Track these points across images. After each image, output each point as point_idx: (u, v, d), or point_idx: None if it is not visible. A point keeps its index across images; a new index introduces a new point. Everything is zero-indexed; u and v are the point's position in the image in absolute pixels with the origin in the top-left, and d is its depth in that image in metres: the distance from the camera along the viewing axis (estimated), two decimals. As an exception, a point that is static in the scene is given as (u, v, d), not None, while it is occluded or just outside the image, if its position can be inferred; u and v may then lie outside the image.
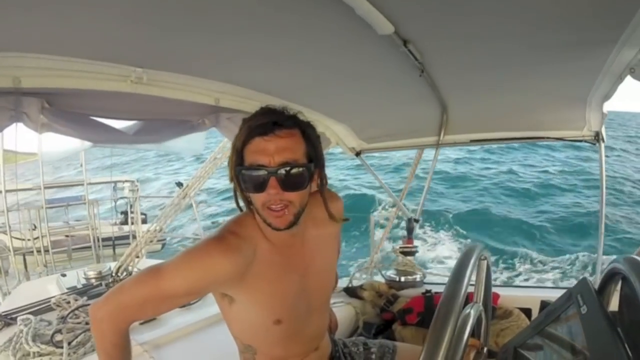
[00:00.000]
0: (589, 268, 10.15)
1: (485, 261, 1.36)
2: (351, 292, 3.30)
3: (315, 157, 1.35)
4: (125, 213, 10.08)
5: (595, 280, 2.10)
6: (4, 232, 7.17)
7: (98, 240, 8.19)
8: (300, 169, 1.27)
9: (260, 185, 1.25)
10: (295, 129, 1.30)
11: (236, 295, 1.37)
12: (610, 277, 1.20)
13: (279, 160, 1.23)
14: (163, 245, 9.42)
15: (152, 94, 1.88)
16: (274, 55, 1.81)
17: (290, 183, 1.25)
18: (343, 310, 3.00)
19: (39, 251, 7.39)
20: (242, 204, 1.41)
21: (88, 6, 1.22)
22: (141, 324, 2.42)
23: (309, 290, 1.48)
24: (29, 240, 7.60)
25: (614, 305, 1.19)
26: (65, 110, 1.73)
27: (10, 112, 1.56)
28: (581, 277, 1.32)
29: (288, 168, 1.24)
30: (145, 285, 1.29)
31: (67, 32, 1.41)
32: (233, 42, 1.62)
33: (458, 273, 1.05)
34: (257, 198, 1.28)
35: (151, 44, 1.60)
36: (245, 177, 1.28)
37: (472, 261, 1.11)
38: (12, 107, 1.56)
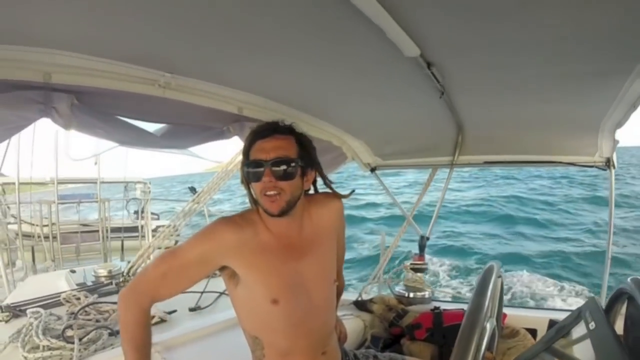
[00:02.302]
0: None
1: (500, 279, 1.39)
2: (360, 305, 3.30)
3: (307, 159, 1.59)
4: (136, 212, 10.15)
5: (602, 301, 2.11)
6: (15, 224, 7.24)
7: (107, 238, 8.24)
8: (290, 163, 1.52)
9: (258, 176, 1.51)
10: (290, 135, 1.57)
11: (239, 269, 1.55)
12: (617, 297, 1.23)
13: (273, 155, 1.50)
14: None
15: (179, 99, 1.93)
16: (297, 70, 1.87)
17: (281, 173, 1.50)
18: (352, 323, 3.00)
19: (47, 246, 7.44)
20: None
21: (122, 9, 1.27)
22: (152, 324, 2.44)
23: (306, 279, 1.62)
24: (39, 235, 7.65)
25: (619, 324, 1.21)
26: (93, 108, 1.75)
27: (39, 105, 1.59)
28: (590, 297, 1.34)
29: (280, 162, 1.50)
30: (164, 259, 1.56)
31: (100, 33, 1.46)
32: (261, 55, 1.68)
33: (482, 287, 1.08)
34: (257, 187, 1.53)
35: (181, 50, 1.65)
36: (248, 170, 1.54)
37: (493, 277, 1.14)
38: (41, 100, 1.59)
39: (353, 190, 1.84)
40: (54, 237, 7.65)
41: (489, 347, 1.39)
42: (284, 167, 1.50)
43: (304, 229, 1.67)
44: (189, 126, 2.15)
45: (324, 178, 1.72)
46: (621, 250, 12.26)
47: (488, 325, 1.12)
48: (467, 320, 0.97)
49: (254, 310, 1.60)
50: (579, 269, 12.14)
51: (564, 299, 9.74)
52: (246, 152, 1.57)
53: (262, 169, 1.49)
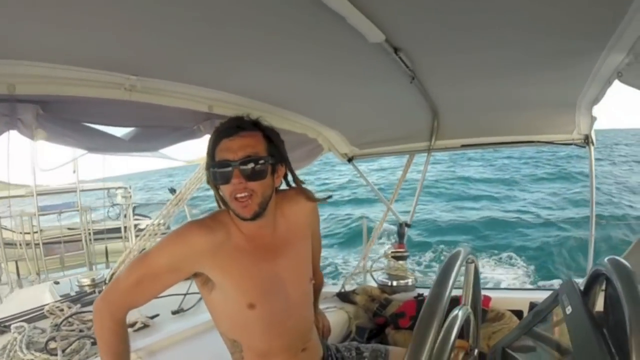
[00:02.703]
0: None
1: (473, 264, 1.39)
2: (344, 296, 3.31)
3: (277, 155, 1.53)
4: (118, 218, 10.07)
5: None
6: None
7: (91, 242, 8.18)
8: (261, 161, 1.45)
9: (226, 178, 1.43)
10: (256, 131, 1.50)
11: (213, 275, 1.50)
12: (595, 278, 1.23)
13: (241, 154, 1.42)
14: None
15: (146, 101, 1.89)
16: (266, 63, 1.84)
17: (252, 173, 1.43)
18: (336, 315, 3.01)
19: (31, 258, 7.36)
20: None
21: (82, 15, 1.24)
22: (135, 330, 2.43)
23: (283, 282, 1.58)
24: (21, 245, 7.57)
25: (600, 305, 1.21)
26: (60, 117, 1.72)
27: (5, 118, 1.56)
28: (566, 280, 1.35)
29: (249, 160, 1.42)
30: (135, 268, 1.49)
31: (62, 40, 1.42)
32: (226, 50, 1.65)
33: (443, 275, 1.08)
34: (226, 190, 1.46)
35: (145, 52, 1.62)
36: (215, 172, 1.46)
37: (457, 264, 1.14)
38: (6, 113, 1.55)
39: (330, 196, 1.80)
40: (37, 248, 7.57)
41: (464, 335, 1.41)
42: (253, 166, 1.43)
43: (278, 228, 1.62)
44: (158, 128, 2.12)
45: (294, 176, 1.66)
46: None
47: (460, 313, 1.12)
48: (424, 311, 0.95)
49: (230, 314, 1.57)
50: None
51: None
52: (211, 152, 1.50)
53: (229, 170, 1.42)
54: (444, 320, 0.97)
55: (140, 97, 1.87)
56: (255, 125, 1.51)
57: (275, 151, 1.53)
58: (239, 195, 1.43)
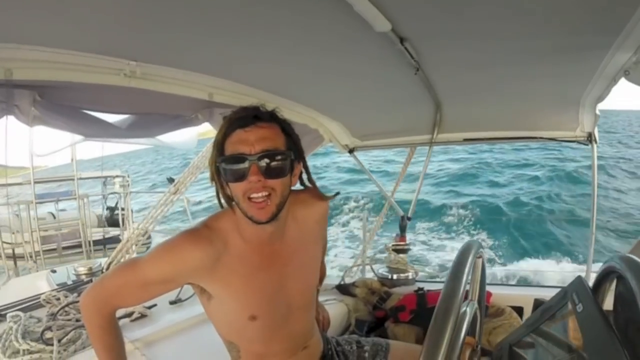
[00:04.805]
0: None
1: (481, 259, 1.36)
2: (343, 289, 3.29)
3: (296, 150, 1.38)
4: (110, 209, 10.04)
5: (587, 279, 2.12)
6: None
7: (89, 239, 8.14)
8: (281, 156, 1.30)
9: (241, 174, 1.27)
10: (274, 123, 1.34)
11: (210, 288, 1.40)
12: (606, 275, 1.20)
13: (259, 148, 1.26)
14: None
15: (145, 87, 1.85)
16: (268, 51, 1.80)
17: (271, 170, 1.28)
18: (335, 308, 2.99)
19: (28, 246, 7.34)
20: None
21: None
22: (132, 320, 2.41)
23: (288, 290, 1.49)
24: (18, 233, 7.55)
25: (608, 303, 1.19)
26: (57, 103, 1.71)
27: (1, 104, 1.54)
28: (576, 276, 1.32)
29: (269, 155, 1.27)
30: (123, 273, 1.39)
31: (61, 24, 1.39)
32: (228, 37, 1.62)
33: (457, 270, 1.05)
34: (238, 188, 1.29)
35: (146, 37, 1.58)
36: (226, 167, 1.30)
37: (470, 259, 1.11)
38: (3, 99, 1.54)
39: (338, 193, 1.63)
40: (34, 237, 7.55)
41: (471, 332, 1.38)
42: (273, 162, 1.27)
43: (288, 234, 1.48)
44: (156, 115, 2.09)
45: (309, 175, 1.50)
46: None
47: (468, 310, 1.10)
48: (440, 308, 0.93)
49: (229, 323, 1.49)
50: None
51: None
52: (220, 144, 1.32)
53: (245, 166, 1.25)
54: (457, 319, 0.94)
55: (139, 84, 1.83)
56: (272, 117, 1.35)
57: (293, 146, 1.38)
58: (254, 195, 1.28)
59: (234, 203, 1.35)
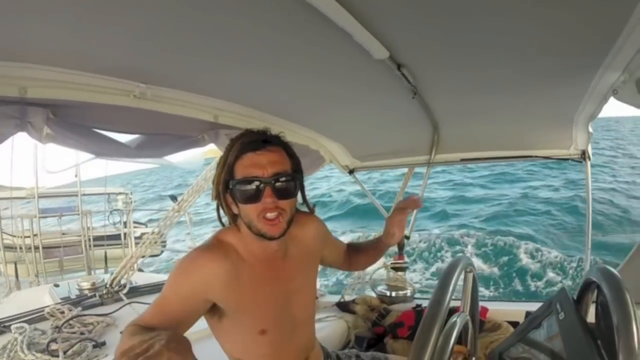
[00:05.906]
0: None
1: (472, 274, 1.43)
2: (343, 306, 3.33)
3: (299, 172, 1.50)
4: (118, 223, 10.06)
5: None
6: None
7: (91, 248, 8.16)
8: (291, 178, 1.40)
9: (255, 196, 1.35)
10: (280, 147, 1.45)
11: (224, 304, 1.43)
12: (586, 287, 1.27)
13: (272, 171, 1.36)
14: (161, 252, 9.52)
15: (154, 109, 1.92)
16: (272, 75, 1.88)
17: (282, 191, 1.37)
18: (335, 324, 3.03)
19: (30, 260, 7.36)
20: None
21: (96, 22, 1.27)
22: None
23: (293, 304, 1.56)
24: (21, 248, 7.57)
25: (592, 314, 1.25)
26: (69, 121, 1.74)
27: (16, 120, 1.57)
28: (561, 288, 1.39)
29: (281, 178, 1.37)
30: (154, 314, 1.35)
31: (75, 46, 1.45)
32: (234, 62, 1.69)
33: (443, 283, 1.11)
34: (252, 209, 1.37)
35: (155, 61, 1.66)
36: (240, 189, 1.37)
37: (456, 272, 1.18)
38: (17, 115, 1.57)
39: (314, 205, 1.71)
40: (37, 251, 7.57)
41: (462, 342, 1.44)
42: (284, 184, 1.37)
43: (289, 251, 1.57)
44: (164, 135, 2.15)
45: (304, 196, 1.62)
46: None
47: (458, 320, 1.15)
48: (425, 318, 0.99)
49: (238, 339, 1.52)
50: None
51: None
52: (230, 166, 1.40)
53: (259, 188, 1.34)
54: (444, 326, 1.00)
55: (148, 105, 1.89)
56: (278, 141, 1.46)
57: (298, 169, 1.49)
58: (269, 215, 1.35)
59: (239, 220, 1.44)
